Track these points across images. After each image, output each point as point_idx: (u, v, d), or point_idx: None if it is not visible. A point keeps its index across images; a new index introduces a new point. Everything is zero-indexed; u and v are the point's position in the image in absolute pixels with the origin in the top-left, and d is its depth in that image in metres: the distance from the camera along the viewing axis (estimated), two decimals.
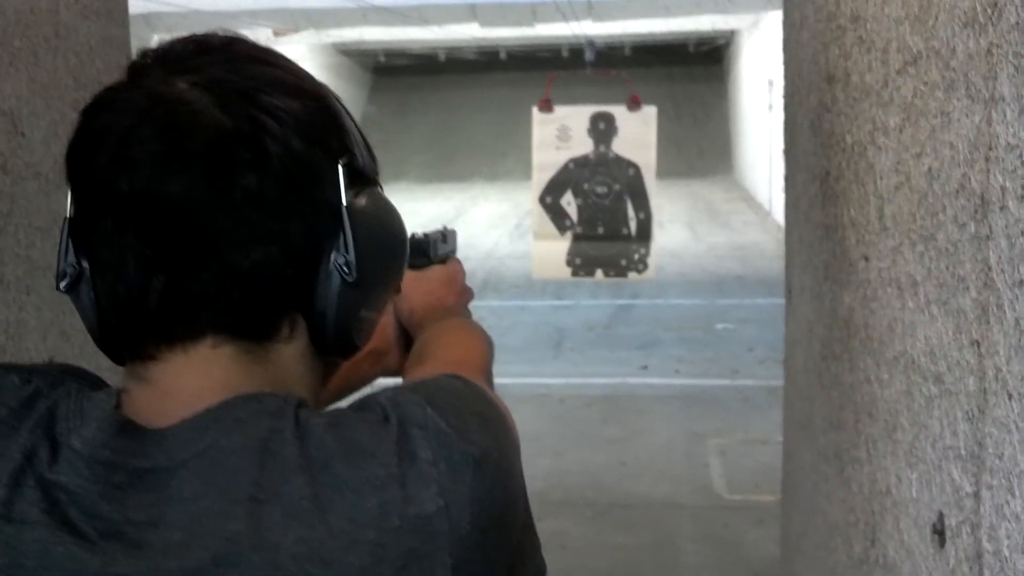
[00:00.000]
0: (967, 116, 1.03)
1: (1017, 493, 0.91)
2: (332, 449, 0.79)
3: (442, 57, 21.69)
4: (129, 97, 0.83)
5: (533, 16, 13.63)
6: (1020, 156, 0.89)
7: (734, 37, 19.77)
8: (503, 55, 21.22)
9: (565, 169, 7.63)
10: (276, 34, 17.05)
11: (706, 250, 13.41)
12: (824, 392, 1.75)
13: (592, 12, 13.45)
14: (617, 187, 7.61)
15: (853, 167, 1.52)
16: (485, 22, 14.28)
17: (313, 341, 0.89)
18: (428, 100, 23.72)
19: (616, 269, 7.83)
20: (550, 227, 7.69)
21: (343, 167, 0.86)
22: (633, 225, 7.74)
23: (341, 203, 0.86)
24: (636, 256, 7.82)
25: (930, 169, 1.15)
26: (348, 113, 0.94)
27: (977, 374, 1.00)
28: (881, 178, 1.35)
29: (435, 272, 1.37)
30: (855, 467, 1.51)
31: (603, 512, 5.46)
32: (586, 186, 7.62)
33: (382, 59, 22.82)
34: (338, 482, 0.78)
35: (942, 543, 1.10)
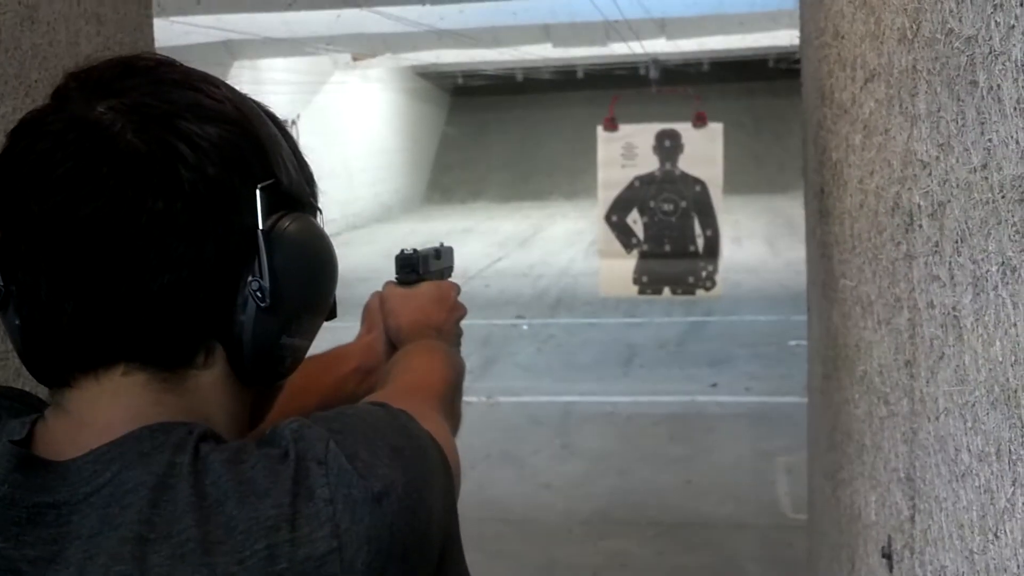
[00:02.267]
0: (900, 133, 1.02)
1: (935, 517, 0.89)
2: (227, 487, 0.78)
3: (519, 77, 21.81)
4: (48, 121, 0.83)
5: (606, 35, 13.62)
6: (931, 174, 0.88)
7: None
8: (580, 74, 21.25)
9: (631, 187, 7.60)
10: (355, 59, 17.32)
11: (784, 265, 13.21)
12: (824, 411, 1.73)
13: (665, 30, 13.39)
14: (683, 204, 7.55)
15: (836, 184, 1.50)
16: (558, 42, 14.30)
17: (233, 368, 0.87)
18: (506, 119, 23.85)
19: (683, 287, 7.77)
20: (616, 245, 7.67)
21: (262, 192, 0.85)
22: (700, 242, 7.67)
23: (259, 230, 0.85)
24: (704, 273, 7.75)
25: (877, 187, 1.13)
26: (286, 137, 0.94)
27: (909, 395, 0.98)
28: (851, 196, 1.34)
29: (425, 289, 1.36)
30: (842, 488, 1.49)
31: (666, 531, 5.40)
32: (652, 204, 7.58)
33: (460, 80, 23.03)
34: (230, 522, 0.76)
35: (891, 567, 1.09)
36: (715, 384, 8.00)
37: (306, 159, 0.97)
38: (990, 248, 0.68)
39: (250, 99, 0.92)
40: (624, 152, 7.71)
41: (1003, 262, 0.65)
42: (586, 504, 5.67)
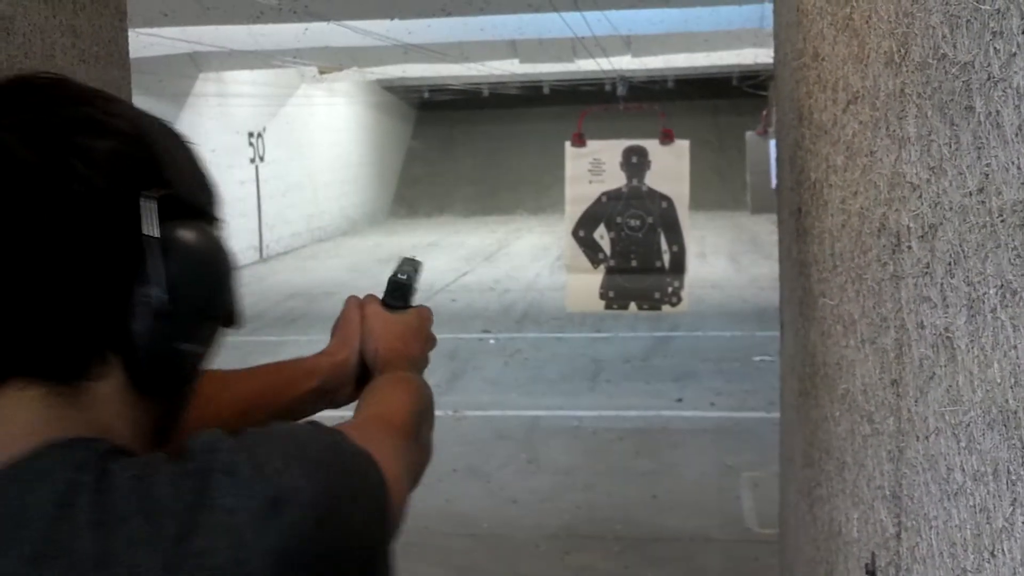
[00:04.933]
0: (887, 155, 1.03)
1: (924, 535, 0.90)
2: (131, 503, 0.78)
3: (486, 92, 21.84)
4: None
5: (573, 52, 13.69)
6: (921, 196, 0.89)
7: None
8: (546, 89, 21.31)
9: (598, 203, 7.63)
10: (321, 72, 17.29)
11: (748, 281, 13.30)
12: (800, 428, 1.74)
13: (631, 47, 13.47)
14: (650, 220, 7.59)
15: (815, 204, 1.52)
16: (525, 58, 14.35)
17: (131, 378, 0.87)
18: (473, 134, 23.88)
19: (650, 302, 7.80)
20: (583, 260, 7.69)
21: (154, 202, 0.86)
22: (667, 258, 7.71)
23: (149, 238, 0.85)
24: (670, 289, 7.78)
25: (861, 208, 1.15)
26: (185, 148, 0.95)
27: (896, 414, 0.99)
28: (832, 216, 1.36)
29: (408, 318, 1.34)
30: (819, 505, 1.50)
31: (632, 546, 5.41)
32: (619, 219, 7.61)
33: (426, 95, 23.02)
34: (132, 537, 0.76)
35: None
36: (680, 399, 8.04)
37: (207, 170, 0.98)
38: (988, 271, 0.69)
39: (148, 115, 0.94)
40: (592, 168, 7.74)
41: (1002, 285, 0.66)
42: (552, 519, 5.68)
